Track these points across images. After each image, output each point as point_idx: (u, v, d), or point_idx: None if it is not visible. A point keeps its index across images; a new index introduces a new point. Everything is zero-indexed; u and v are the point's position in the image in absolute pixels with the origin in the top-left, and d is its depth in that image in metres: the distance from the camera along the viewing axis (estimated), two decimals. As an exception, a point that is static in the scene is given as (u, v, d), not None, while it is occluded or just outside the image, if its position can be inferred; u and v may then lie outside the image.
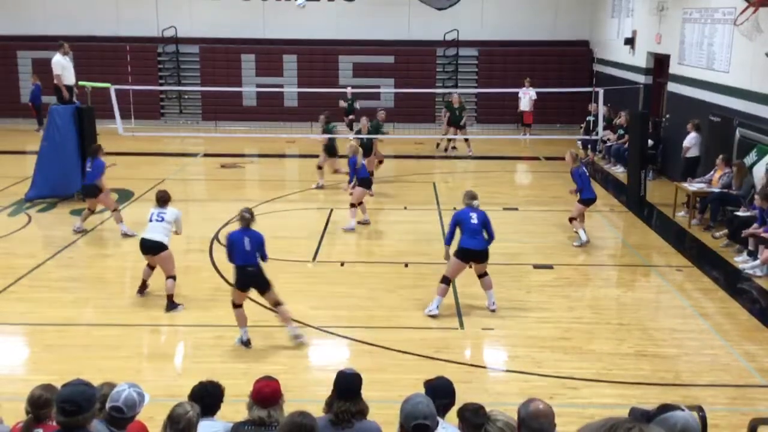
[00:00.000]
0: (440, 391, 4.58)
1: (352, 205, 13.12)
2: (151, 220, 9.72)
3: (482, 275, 9.65)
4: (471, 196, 9.67)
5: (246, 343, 8.50)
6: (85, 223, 12.86)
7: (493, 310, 9.58)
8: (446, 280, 9.53)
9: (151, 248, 9.68)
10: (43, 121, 19.21)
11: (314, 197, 15.80)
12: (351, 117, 19.98)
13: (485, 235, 9.40)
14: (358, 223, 13.23)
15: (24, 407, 4.51)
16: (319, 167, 15.99)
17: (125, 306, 9.78)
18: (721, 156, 13.43)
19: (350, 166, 13.36)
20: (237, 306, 8.57)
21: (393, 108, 22.64)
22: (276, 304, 8.62)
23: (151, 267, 9.99)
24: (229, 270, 10.92)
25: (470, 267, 9.65)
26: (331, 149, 15.89)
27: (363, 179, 13.19)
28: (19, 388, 6.06)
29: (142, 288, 10.03)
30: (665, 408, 3.82)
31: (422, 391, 4.54)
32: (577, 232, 12.46)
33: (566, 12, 24.22)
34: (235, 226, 8.82)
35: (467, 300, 9.96)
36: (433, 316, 9.41)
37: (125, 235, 12.41)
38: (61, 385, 4.02)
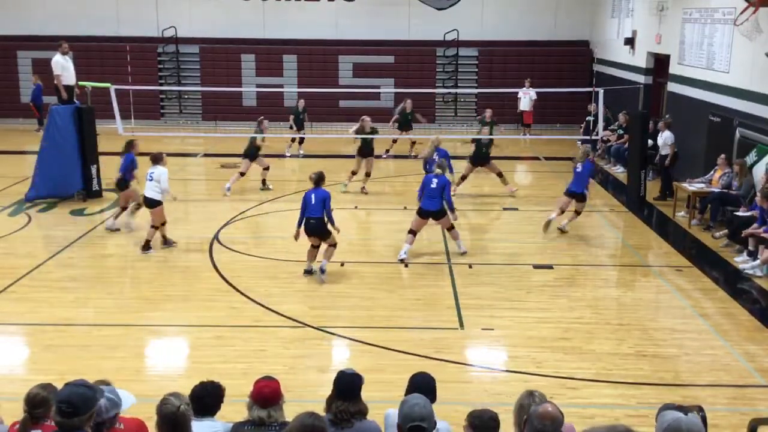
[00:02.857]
0: (421, 388, 4.54)
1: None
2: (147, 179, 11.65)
3: (449, 228, 11.51)
4: (438, 165, 11.50)
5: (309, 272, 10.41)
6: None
7: (464, 253, 11.51)
8: (412, 232, 11.43)
9: (148, 204, 11.67)
10: (44, 121, 19.20)
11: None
12: (302, 133, 18.98)
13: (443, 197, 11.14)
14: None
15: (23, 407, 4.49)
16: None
17: (125, 306, 9.78)
18: (722, 156, 13.43)
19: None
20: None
21: (393, 108, 22.63)
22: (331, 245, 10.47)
23: (154, 227, 11.77)
24: (229, 270, 11.02)
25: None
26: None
27: None
28: (19, 388, 6.03)
29: (146, 247, 11.70)
30: (672, 408, 3.81)
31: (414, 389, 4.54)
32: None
33: (566, 12, 24.23)
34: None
35: (467, 300, 9.97)
36: (402, 261, 11.22)
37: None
38: (63, 384, 3.97)
